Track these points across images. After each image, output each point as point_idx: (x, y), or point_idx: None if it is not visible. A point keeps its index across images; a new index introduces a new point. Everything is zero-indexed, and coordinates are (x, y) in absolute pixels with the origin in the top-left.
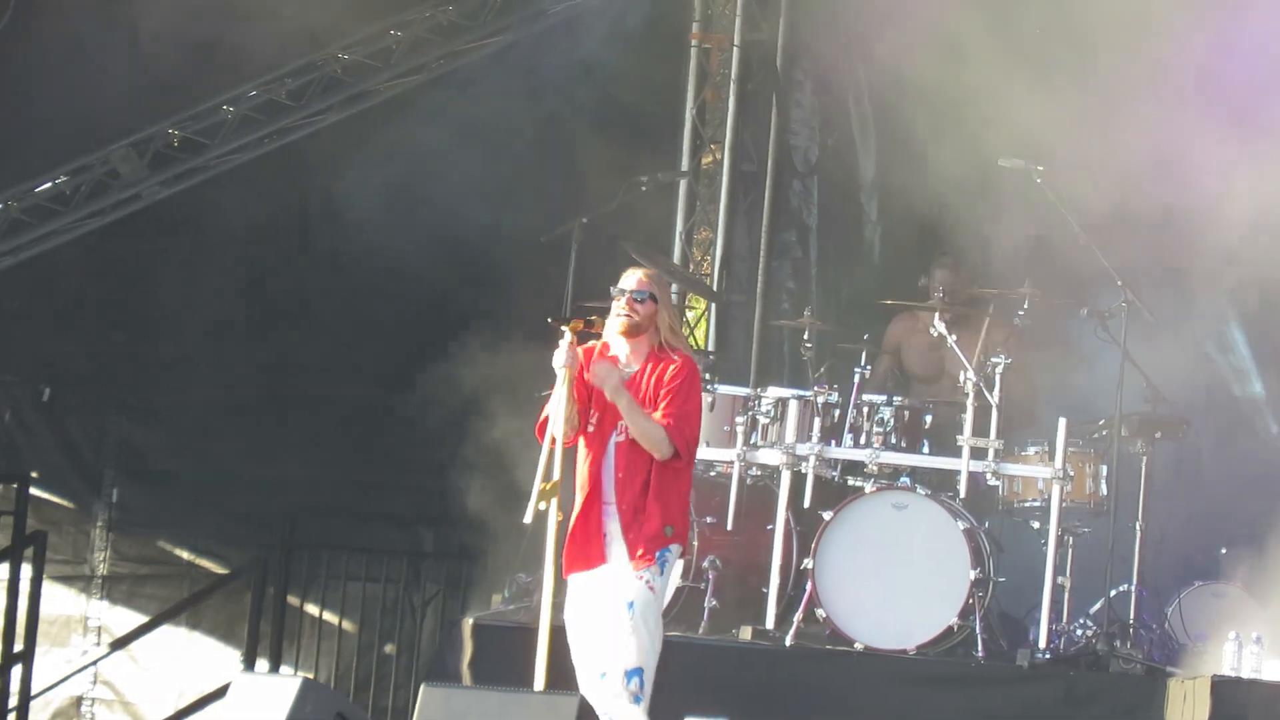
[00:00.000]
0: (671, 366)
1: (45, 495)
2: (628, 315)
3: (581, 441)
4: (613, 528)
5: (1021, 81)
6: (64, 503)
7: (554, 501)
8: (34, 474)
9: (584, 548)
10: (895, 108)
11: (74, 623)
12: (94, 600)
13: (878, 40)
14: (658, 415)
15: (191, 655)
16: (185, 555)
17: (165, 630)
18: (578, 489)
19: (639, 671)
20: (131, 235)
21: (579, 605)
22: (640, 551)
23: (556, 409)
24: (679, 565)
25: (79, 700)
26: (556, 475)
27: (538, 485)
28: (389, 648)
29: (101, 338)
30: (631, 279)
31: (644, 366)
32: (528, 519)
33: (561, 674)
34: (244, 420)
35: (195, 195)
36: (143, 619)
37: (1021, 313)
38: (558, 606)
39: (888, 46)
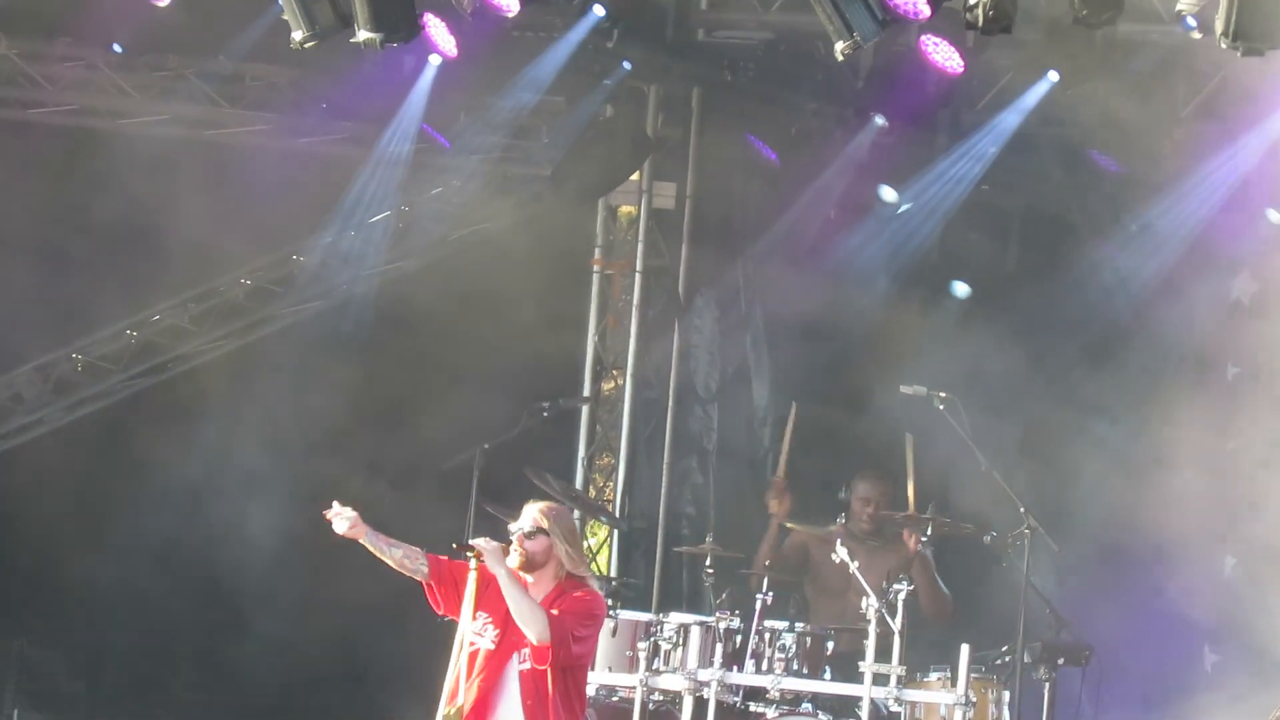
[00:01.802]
0: (583, 597)
1: None
2: (519, 553)
3: (479, 657)
4: None
5: (916, 314)
6: None
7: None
8: None
9: None
10: (791, 334)
11: None
12: None
13: (778, 270)
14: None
15: None
16: None
17: None
18: (461, 702)
19: None
20: (30, 458)
21: None
22: None
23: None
24: None
25: None
26: (461, 700)
27: (443, 710)
28: None
29: (4, 561)
30: (526, 516)
31: (549, 598)
32: None
33: None
34: (151, 638)
35: (103, 417)
36: None
37: (925, 539)
38: None
39: (787, 276)
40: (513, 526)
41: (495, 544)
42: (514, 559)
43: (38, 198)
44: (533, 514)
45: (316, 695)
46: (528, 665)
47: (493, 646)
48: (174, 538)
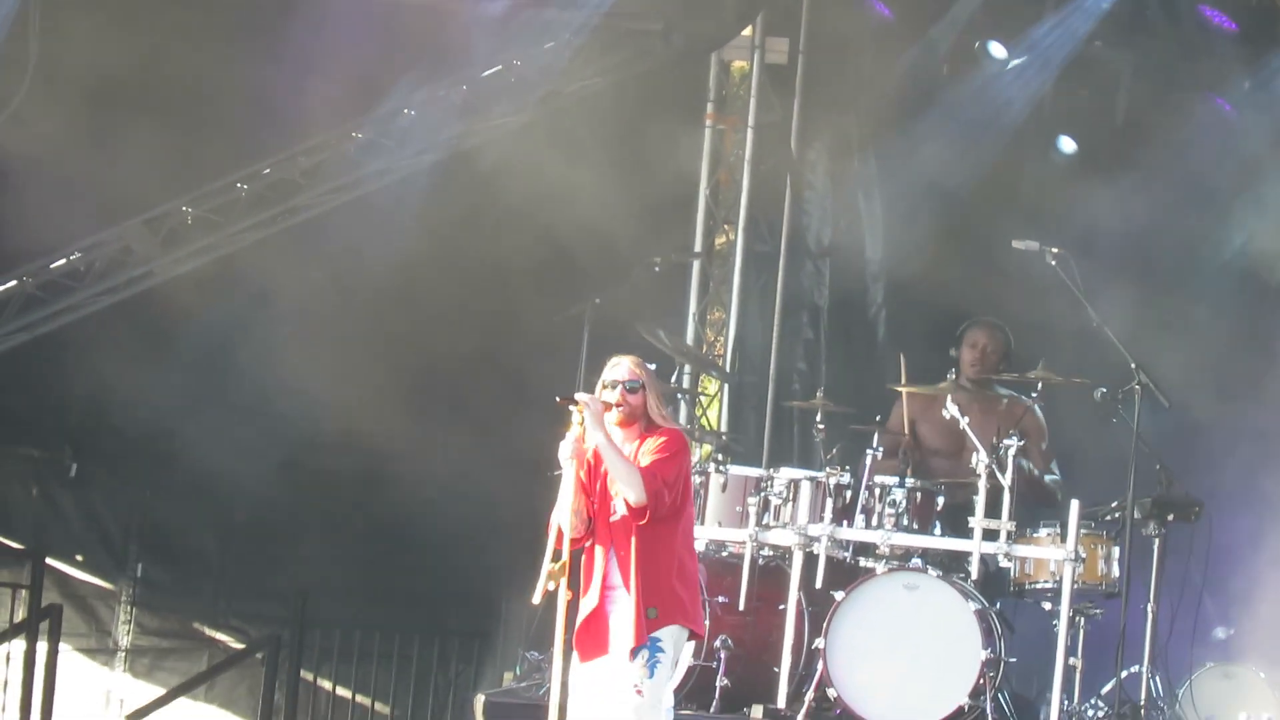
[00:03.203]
0: (661, 437)
1: (70, 570)
2: (623, 406)
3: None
4: (614, 611)
5: (1024, 170)
6: (89, 577)
7: (563, 582)
8: (59, 547)
9: (585, 637)
10: (905, 191)
11: (97, 695)
12: (117, 673)
13: (889, 124)
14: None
15: None
16: (207, 630)
17: (185, 704)
18: (593, 572)
19: None
20: (156, 312)
21: (579, 695)
22: (630, 640)
23: (563, 498)
24: (689, 647)
25: None
26: (565, 557)
27: (546, 566)
28: None
29: (127, 414)
30: (621, 369)
31: (635, 447)
32: (536, 599)
33: None
34: (268, 498)
35: (219, 272)
36: (164, 692)
37: (1035, 394)
38: (567, 685)
39: (899, 130)
40: (610, 379)
41: (598, 403)
42: (615, 415)
43: (143, 51)
44: (629, 367)
45: (444, 549)
46: (617, 517)
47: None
48: (292, 390)
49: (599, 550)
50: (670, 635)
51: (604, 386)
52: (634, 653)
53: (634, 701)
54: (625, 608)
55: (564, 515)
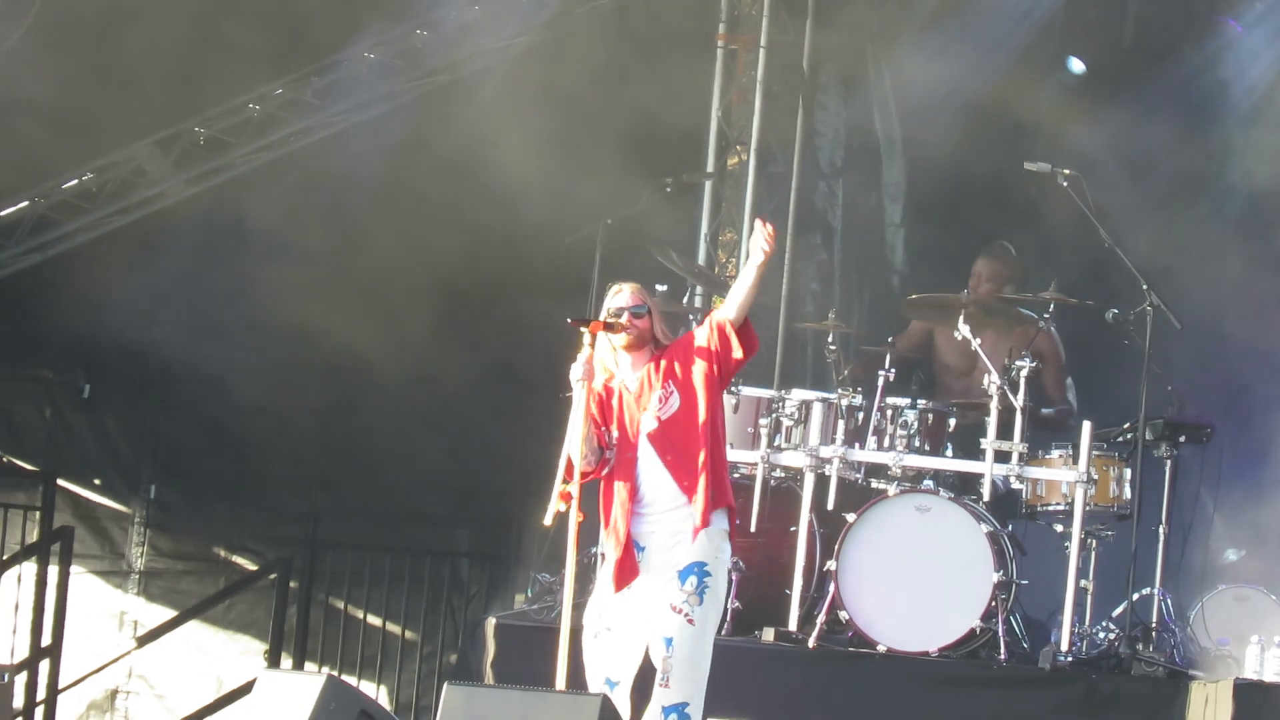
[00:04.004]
0: (681, 336)
1: (83, 492)
2: (634, 331)
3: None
4: (643, 529)
5: (1035, 90)
6: (102, 499)
7: (573, 503)
8: (71, 470)
9: (621, 565)
10: (919, 111)
11: (111, 617)
12: (131, 595)
13: (902, 44)
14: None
15: (227, 650)
16: (222, 552)
17: (199, 625)
18: (614, 504)
19: (679, 708)
20: (168, 233)
21: (621, 622)
22: (695, 524)
23: (574, 425)
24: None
25: (114, 693)
26: (576, 478)
27: (558, 488)
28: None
29: (140, 336)
30: (626, 296)
31: (648, 368)
32: (548, 521)
33: (583, 674)
34: (281, 421)
35: (230, 193)
36: (177, 614)
37: (1047, 315)
38: (578, 607)
39: (912, 50)
40: (616, 308)
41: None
42: (625, 339)
43: None
44: (629, 293)
45: (457, 471)
46: (654, 427)
47: (617, 437)
48: (305, 312)
49: (619, 483)
50: (719, 561)
51: (609, 314)
52: (681, 576)
53: (687, 632)
54: (682, 513)
55: (574, 440)
